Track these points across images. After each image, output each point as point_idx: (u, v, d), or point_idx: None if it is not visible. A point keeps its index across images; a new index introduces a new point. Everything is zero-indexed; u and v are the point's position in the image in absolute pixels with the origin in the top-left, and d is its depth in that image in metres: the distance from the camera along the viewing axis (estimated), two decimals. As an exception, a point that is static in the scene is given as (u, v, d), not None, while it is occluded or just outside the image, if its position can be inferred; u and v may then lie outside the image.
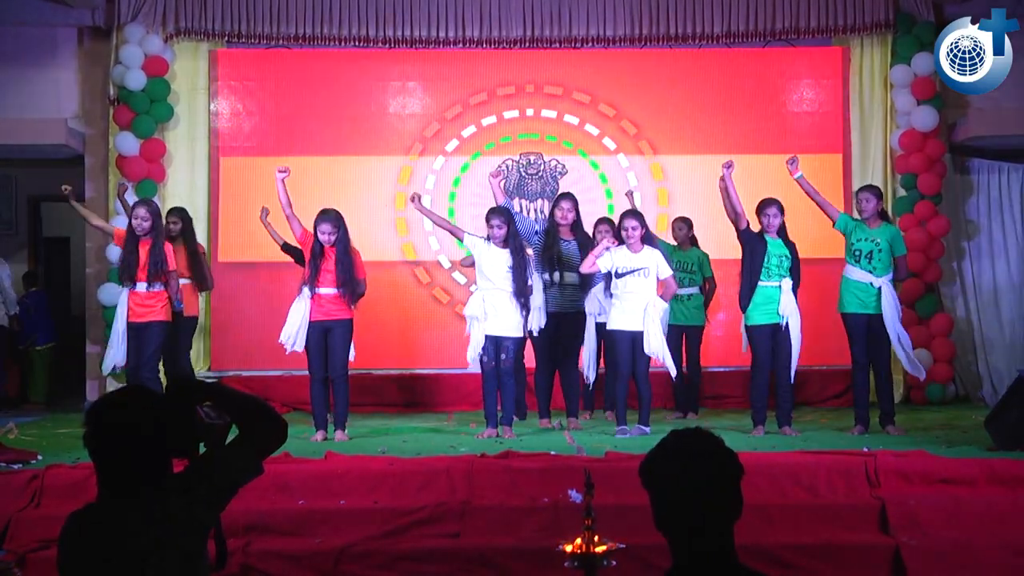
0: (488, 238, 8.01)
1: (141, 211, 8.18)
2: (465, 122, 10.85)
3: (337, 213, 7.97)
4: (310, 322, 7.88)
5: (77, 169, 10.71)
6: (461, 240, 8.18)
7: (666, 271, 8.06)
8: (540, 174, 10.81)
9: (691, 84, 10.93)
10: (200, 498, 2.78)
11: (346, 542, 5.87)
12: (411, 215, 10.63)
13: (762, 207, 8.05)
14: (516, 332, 7.97)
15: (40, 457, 7.01)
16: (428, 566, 5.81)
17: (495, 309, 7.87)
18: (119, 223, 9.33)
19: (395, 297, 10.60)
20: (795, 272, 8.02)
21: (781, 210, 8.00)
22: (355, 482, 6.33)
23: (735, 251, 8.74)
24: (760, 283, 7.93)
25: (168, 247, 8.30)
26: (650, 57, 10.95)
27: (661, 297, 8.03)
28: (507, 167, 10.63)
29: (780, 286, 7.93)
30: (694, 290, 9.16)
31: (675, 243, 9.30)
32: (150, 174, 10.35)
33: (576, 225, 8.46)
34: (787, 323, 7.93)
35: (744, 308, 8.01)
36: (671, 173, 10.85)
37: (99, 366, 10.27)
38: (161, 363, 8.52)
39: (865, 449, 6.83)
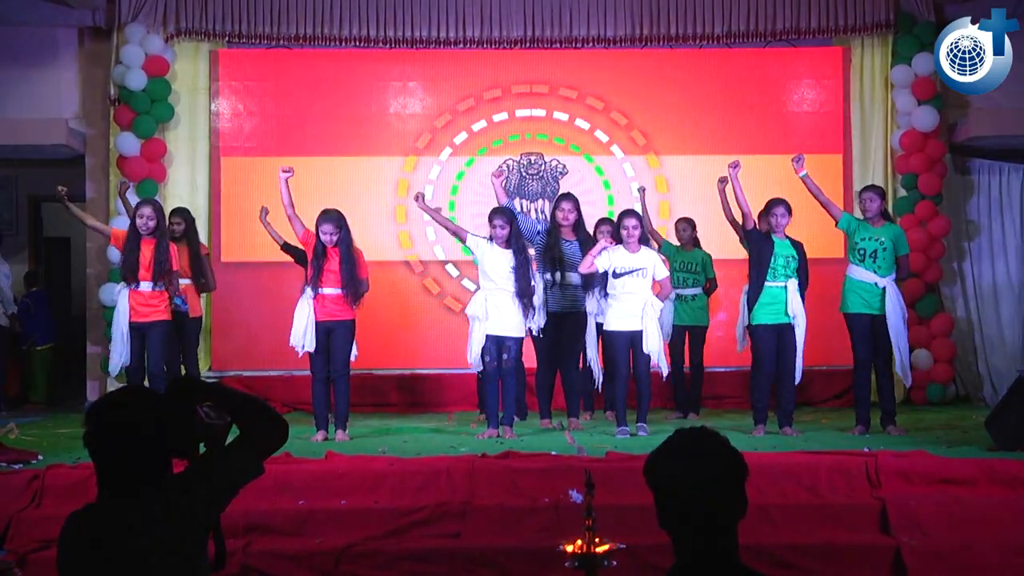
0: (491, 238, 8.01)
1: (146, 210, 8.19)
2: (466, 122, 10.85)
3: (339, 213, 7.97)
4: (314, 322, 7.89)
5: (78, 169, 10.72)
6: (464, 240, 8.17)
7: (662, 272, 8.07)
8: (541, 174, 10.81)
9: (691, 84, 10.93)
10: (200, 498, 2.78)
11: (347, 542, 5.86)
12: (412, 215, 10.65)
13: (769, 207, 8.06)
14: (518, 332, 7.98)
15: (41, 457, 7.01)
16: (429, 566, 5.81)
17: (497, 309, 7.88)
18: (120, 223, 9.33)
19: (396, 297, 10.60)
20: (803, 273, 8.02)
21: (789, 210, 7.99)
22: (356, 482, 6.33)
23: (736, 251, 8.75)
24: (766, 283, 7.93)
25: (172, 247, 8.31)
26: (650, 57, 10.95)
27: (657, 297, 8.03)
28: (508, 167, 10.62)
29: (786, 286, 7.93)
30: (698, 290, 9.18)
31: (678, 244, 9.31)
32: (151, 174, 10.36)
33: (578, 225, 8.46)
34: (792, 324, 7.92)
35: (751, 308, 8.01)
36: (671, 173, 10.85)
37: (100, 366, 10.29)
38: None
39: (866, 449, 6.82)
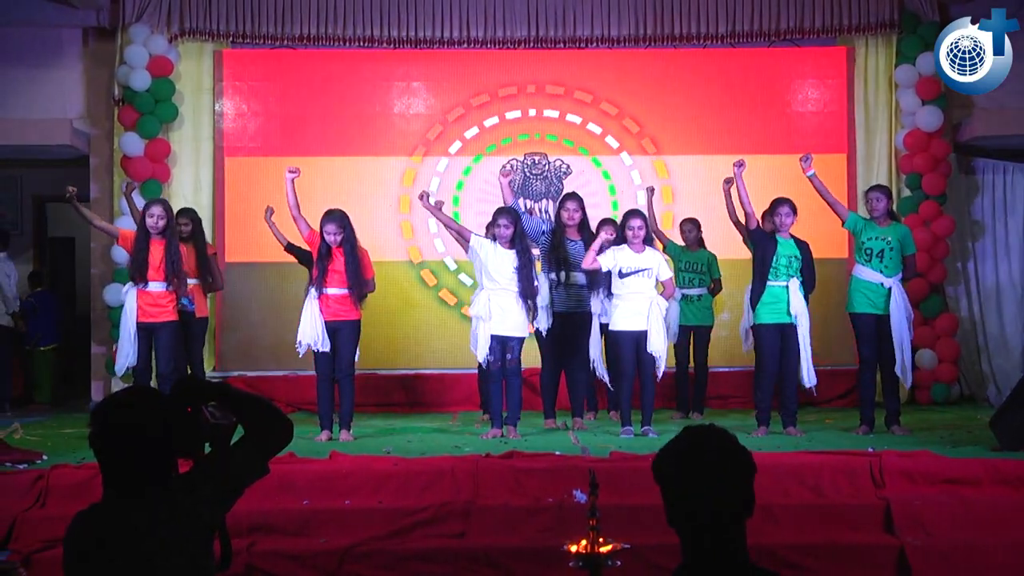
0: (494, 238, 8.01)
1: (157, 209, 8.18)
2: (469, 122, 10.85)
3: (342, 213, 7.97)
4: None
5: (82, 169, 10.73)
6: (467, 239, 8.15)
7: (666, 272, 8.07)
8: (544, 174, 10.81)
9: (695, 84, 10.92)
10: (206, 498, 2.79)
11: (351, 542, 5.87)
12: (416, 215, 10.65)
13: (774, 207, 8.06)
14: (522, 332, 7.99)
15: (45, 457, 7.02)
16: (433, 566, 5.81)
17: (501, 309, 7.88)
18: (124, 223, 9.33)
19: (399, 297, 10.60)
20: (808, 273, 8.00)
21: (793, 210, 7.98)
22: (360, 482, 6.34)
23: (740, 251, 8.74)
24: (769, 283, 7.93)
25: (183, 247, 8.32)
26: (654, 57, 10.95)
27: (661, 296, 8.03)
28: (511, 167, 10.62)
29: (788, 286, 7.92)
30: (703, 291, 9.19)
31: (683, 244, 9.31)
32: (155, 174, 10.36)
33: (583, 225, 8.45)
34: (794, 324, 7.91)
35: (754, 307, 8.01)
36: (675, 173, 10.84)
37: (105, 367, 10.32)
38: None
39: (870, 449, 6.82)
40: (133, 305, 8.17)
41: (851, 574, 5.78)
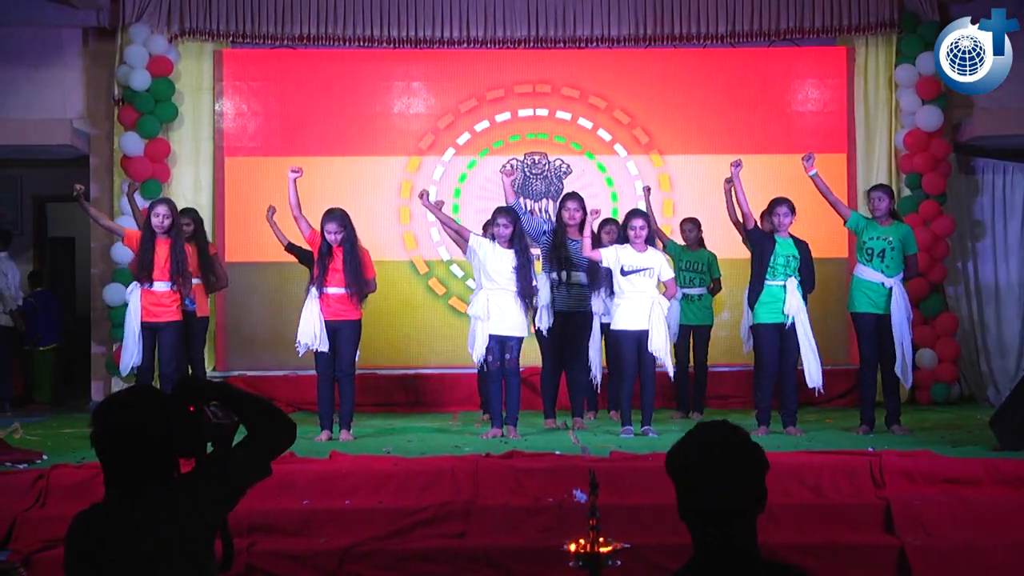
0: (493, 237, 8.01)
1: (162, 209, 8.18)
2: (469, 122, 10.85)
3: (343, 212, 7.97)
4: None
5: (82, 169, 10.73)
6: (466, 239, 8.14)
7: (668, 273, 8.08)
8: (544, 174, 10.81)
9: (695, 84, 10.92)
10: (207, 499, 2.78)
11: (351, 542, 5.87)
12: (416, 214, 10.66)
13: (772, 206, 8.06)
14: (521, 332, 7.98)
15: (45, 457, 7.02)
16: (433, 566, 5.81)
17: (500, 309, 7.87)
18: (124, 223, 9.33)
19: (399, 297, 10.60)
20: (806, 273, 8.00)
21: (792, 210, 7.98)
22: (360, 482, 6.34)
23: (740, 251, 8.75)
24: (767, 282, 7.93)
25: (188, 247, 8.32)
26: (654, 57, 10.95)
27: (663, 296, 8.04)
28: (512, 166, 10.62)
29: (785, 285, 7.92)
30: (703, 290, 9.19)
31: (683, 244, 9.31)
32: (155, 174, 10.36)
33: (583, 225, 8.45)
34: (793, 323, 7.92)
35: (752, 307, 8.01)
36: (675, 172, 10.85)
37: (105, 366, 10.32)
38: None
39: (870, 449, 6.82)
40: (137, 305, 8.17)
41: (851, 574, 5.78)
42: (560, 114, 10.86)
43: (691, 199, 10.57)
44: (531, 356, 8.61)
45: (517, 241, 7.94)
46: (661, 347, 7.91)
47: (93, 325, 10.78)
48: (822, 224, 9.20)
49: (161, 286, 8.13)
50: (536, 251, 8.61)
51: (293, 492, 6.21)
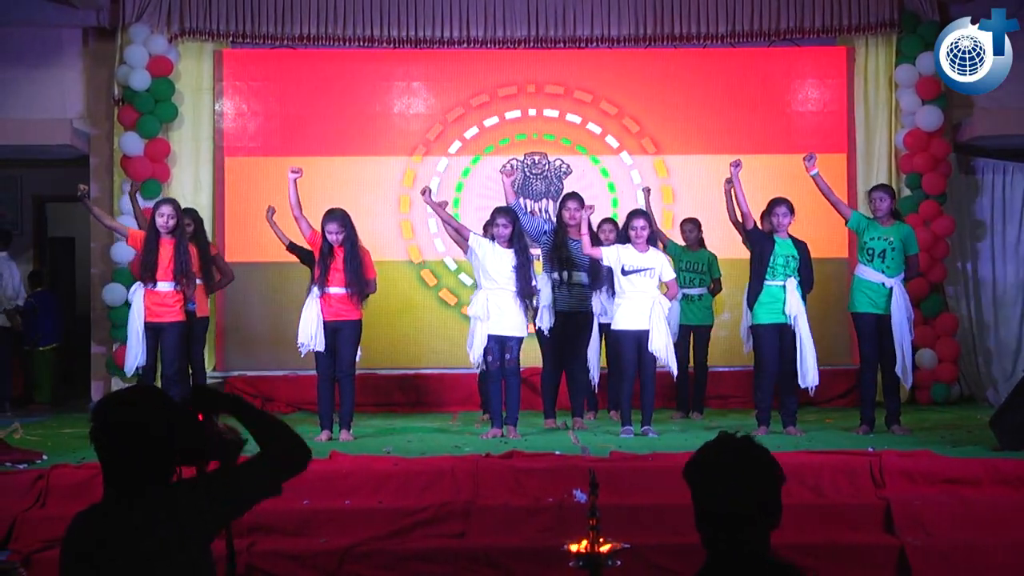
0: (492, 237, 8.01)
1: (167, 209, 8.17)
2: (469, 122, 10.85)
3: (343, 212, 7.97)
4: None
5: (82, 169, 10.73)
6: (466, 238, 8.14)
7: (669, 273, 8.08)
8: (544, 174, 10.81)
9: (695, 84, 10.93)
10: (210, 511, 2.77)
11: (351, 542, 5.87)
12: (416, 215, 10.66)
13: (771, 207, 8.05)
14: (520, 332, 7.98)
15: (45, 457, 7.02)
16: (433, 566, 5.81)
17: (499, 309, 7.87)
18: (125, 223, 9.33)
19: (400, 297, 10.60)
20: (805, 273, 8.00)
21: (791, 210, 7.98)
22: (360, 482, 6.34)
23: (740, 251, 8.74)
24: (766, 282, 7.93)
25: (192, 248, 8.32)
26: (654, 57, 10.95)
27: (665, 296, 8.04)
28: (512, 166, 10.62)
29: (784, 286, 7.92)
30: (703, 290, 9.20)
31: (684, 244, 9.31)
32: (155, 174, 10.36)
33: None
34: (793, 323, 7.91)
35: (751, 307, 8.01)
36: (675, 172, 10.85)
37: (105, 366, 10.31)
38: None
39: (870, 449, 6.81)
40: (140, 305, 8.17)
41: (851, 574, 5.78)
42: (559, 114, 10.85)
43: (691, 199, 10.57)
44: (531, 356, 8.61)
45: (516, 241, 7.93)
46: (661, 347, 7.91)
47: (93, 325, 10.77)
48: (822, 224, 9.20)
49: (165, 286, 8.13)
50: (536, 251, 8.62)
51: (293, 492, 6.18)
